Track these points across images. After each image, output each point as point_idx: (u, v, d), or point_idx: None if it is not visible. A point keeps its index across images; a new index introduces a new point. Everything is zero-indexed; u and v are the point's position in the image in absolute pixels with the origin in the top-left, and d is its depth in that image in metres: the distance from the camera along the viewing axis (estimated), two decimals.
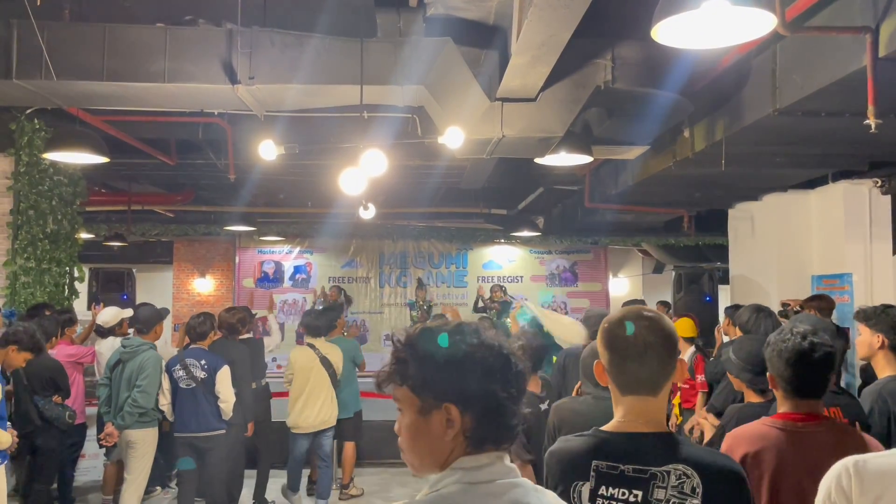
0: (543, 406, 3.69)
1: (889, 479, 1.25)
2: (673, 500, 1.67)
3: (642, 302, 6.53)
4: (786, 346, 2.31)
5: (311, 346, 6.34)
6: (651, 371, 1.77)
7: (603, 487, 1.72)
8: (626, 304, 6.71)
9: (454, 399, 1.33)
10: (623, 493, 1.70)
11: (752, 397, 3.16)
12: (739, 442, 2.28)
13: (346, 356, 6.67)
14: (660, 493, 1.68)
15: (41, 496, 5.63)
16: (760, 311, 4.20)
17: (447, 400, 1.33)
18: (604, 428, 1.82)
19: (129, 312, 6.37)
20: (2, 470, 4.43)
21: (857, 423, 2.71)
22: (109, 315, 6.43)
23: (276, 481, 6.54)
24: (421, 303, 12.47)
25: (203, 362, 5.44)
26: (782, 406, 2.33)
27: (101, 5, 5.57)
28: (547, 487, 1.67)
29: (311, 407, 6.23)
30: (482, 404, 1.33)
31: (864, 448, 2.20)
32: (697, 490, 1.67)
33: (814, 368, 2.28)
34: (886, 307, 3.16)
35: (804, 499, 2.00)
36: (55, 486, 6.11)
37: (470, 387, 1.33)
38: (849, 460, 1.31)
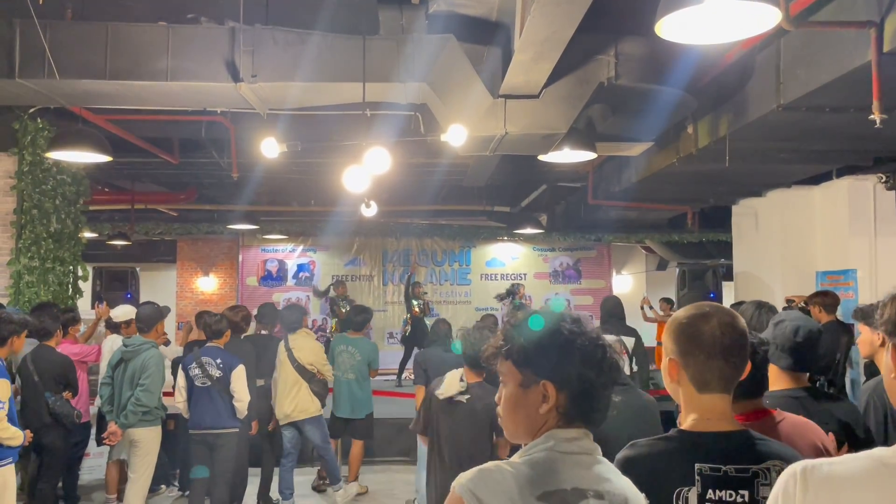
0: None
1: (836, 486, 1.23)
2: None
3: (618, 300, 6.51)
4: None
5: (285, 339, 6.42)
6: (735, 369, 1.75)
7: (710, 491, 1.68)
8: (607, 300, 6.63)
9: (552, 377, 1.49)
10: (731, 495, 1.67)
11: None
12: None
13: (364, 358, 6.75)
14: (765, 491, 1.66)
15: (46, 495, 5.64)
16: (762, 306, 4.19)
17: (545, 377, 1.49)
18: (685, 428, 1.76)
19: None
20: (11, 469, 4.44)
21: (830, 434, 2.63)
22: (121, 311, 6.48)
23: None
24: (420, 301, 12.36)
25: (218, 361, 5.46)
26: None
27: (103, 4, 5.57)
28: None
29: (281, 397, 6.32)
30: (577, 386, 1.48)
31: (817, 434, 2.21)
32: None
33: (757, 368, 2.20)
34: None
35: None
36: (60, 484, 6.13)
37: (567, 369, 1.48)
38: (798, 465, 1.29)
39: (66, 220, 6.99)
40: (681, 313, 1.81)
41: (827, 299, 6.49)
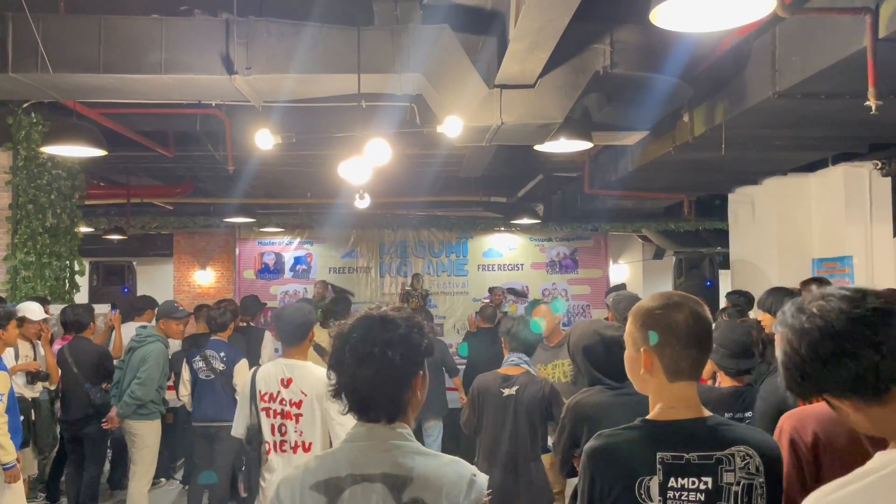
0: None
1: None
2: (743, 481, 1.69)
3: (623, 287, 6.53)
4: None
5: None
6: (705, 357, 1.77)
7: (672, 479, 1.69)
8: (611, 290, 6.65)
9: (337, 380, 1.68)
10: (693, 483, 1.68)
11: (725, 381, 3.28)
12: (806, 422, 2.06)
13: None
14: (729, 477, 1.68)
15: (93, 482, 5.82)
16: (782, 292, 4.19)
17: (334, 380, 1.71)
18: (650, 417, 1.78)
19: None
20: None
21: None
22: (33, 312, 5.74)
23: None
24: (417, 292, 12.46)
25: (222, 354, 5.48)
26: None
27: None
28: (591, 489, 1.73)
29: None
30: (347, 383, 1.65)
31: None
32: (760, 468, 1.70)
33: None
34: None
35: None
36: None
37: (340, 369, 1.66)
38: None
39: (62, 215, 6.98)
40: (650, 303, 1.81)
41: (820, 286, 6.50)
